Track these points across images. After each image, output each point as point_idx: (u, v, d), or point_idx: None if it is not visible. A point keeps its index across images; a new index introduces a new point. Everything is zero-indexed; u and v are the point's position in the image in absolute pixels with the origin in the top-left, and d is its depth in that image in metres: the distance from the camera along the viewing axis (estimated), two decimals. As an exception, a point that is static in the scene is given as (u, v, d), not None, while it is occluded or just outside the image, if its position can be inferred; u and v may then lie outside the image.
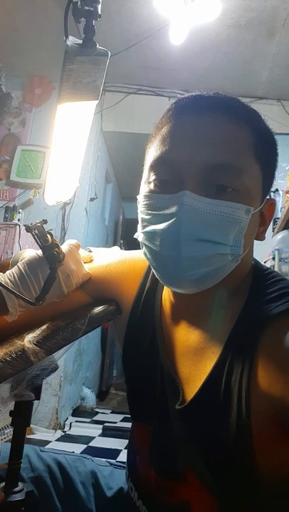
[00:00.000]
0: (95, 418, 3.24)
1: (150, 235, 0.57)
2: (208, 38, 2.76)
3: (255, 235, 0.61)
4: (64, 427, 2.87)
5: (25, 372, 0.61)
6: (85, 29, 0.73)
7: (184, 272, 0.55)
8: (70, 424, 2.92)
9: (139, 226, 0.60)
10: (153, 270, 0.61)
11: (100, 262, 0.75)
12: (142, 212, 0.60)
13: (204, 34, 2.68)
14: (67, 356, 2.92)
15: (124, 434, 2.73)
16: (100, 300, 0.72)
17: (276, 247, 2.08)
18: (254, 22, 2.61)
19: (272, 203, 0.63)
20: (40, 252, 0.66)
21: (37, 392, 0.68)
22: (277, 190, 2.37)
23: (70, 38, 0.73)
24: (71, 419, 3.05)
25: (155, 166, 0.59)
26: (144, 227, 0.59)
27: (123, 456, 2.28)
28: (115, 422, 3.15)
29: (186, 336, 0.63)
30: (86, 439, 2.63)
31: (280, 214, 2.25)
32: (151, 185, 0.59)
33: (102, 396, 4.04)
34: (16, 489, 0.63)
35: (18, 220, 2.89)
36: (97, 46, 0.74)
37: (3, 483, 0.64)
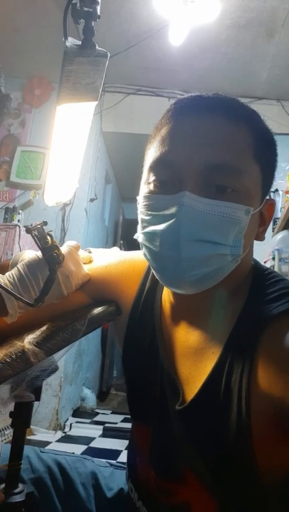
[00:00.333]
0: (96, 419, 3.24)
1: (150, 236, 0.57)
2: (208, 39, 2.76)
3: (254, 236, 0.61)
4: (64, 427, 2.86)
5: (25, 374, 0.61)
6: (84, 30, 0.73)
7: (184, 273, 0.55)
8: (71, 424, 2.92)
9: (139, 227, 0.60)
10: (153, 271, 0.61)
11: (100, 263, 0.75)
12: (141, 213, 0.60)
13: (204, 35, 2.68)
14: (68, 357, 2.92)
15: (124, 435, 2.72)
16: (100, 301, 0.72)
17: (276, 247, 2.08)
18: (253, 22, 2.61)
19: (272, 203, 0.63)
20: (39, 253, 0.65)
21: (37, 393, 0.68)
22: (277, 190, 2.37)
23: (70, 39, 0.73)
24: (71, 419, 3.05)
25: (155, 167, 0.59)
26: (143, 227, 0.59)
27: (124, 457, 2.27)
28: (116, 423, 3.14)
29: (186, 337, 0.63)
30: (86, 440, 2.63)
31: (279, 214, 2.25)
32: (151, 186, 0.59)
33: (102, 397, 4.04)
34: (16, 490, 0.63)
35: (18, 221, 2.89)
36: (97, 47, 0.74)
37: (4, 485, 0.64)
